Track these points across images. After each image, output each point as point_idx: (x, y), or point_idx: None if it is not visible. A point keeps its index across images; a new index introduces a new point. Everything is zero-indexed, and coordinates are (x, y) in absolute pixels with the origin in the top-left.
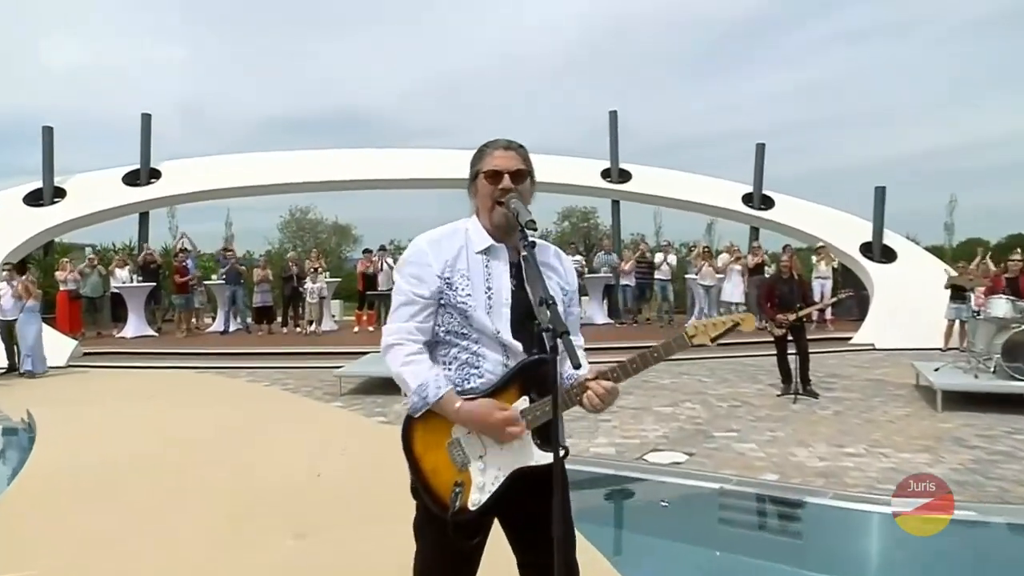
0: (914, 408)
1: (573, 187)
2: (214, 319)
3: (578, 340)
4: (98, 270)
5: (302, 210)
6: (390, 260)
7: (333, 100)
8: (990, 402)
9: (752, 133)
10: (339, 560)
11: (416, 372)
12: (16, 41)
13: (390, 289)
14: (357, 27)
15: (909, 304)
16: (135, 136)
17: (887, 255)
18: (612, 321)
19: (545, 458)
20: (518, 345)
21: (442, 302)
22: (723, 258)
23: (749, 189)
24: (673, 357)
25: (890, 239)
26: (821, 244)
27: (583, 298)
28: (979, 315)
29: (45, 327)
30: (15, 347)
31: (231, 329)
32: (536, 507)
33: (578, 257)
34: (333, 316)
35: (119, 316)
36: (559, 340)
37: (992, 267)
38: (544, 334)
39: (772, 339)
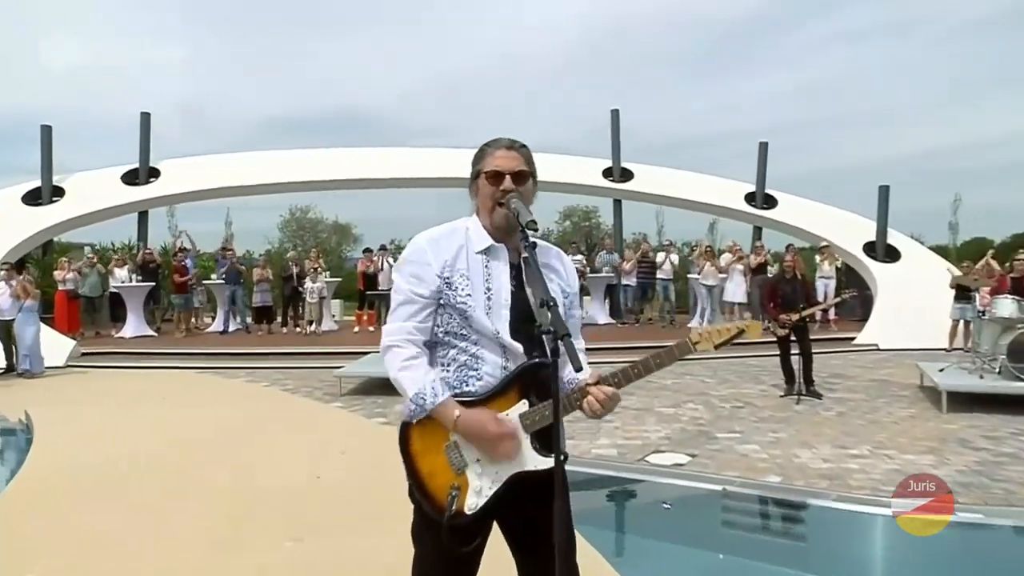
0: (918, 409)
1: (575, 186)
2: (213, 319)
3: (579, 343)
4: (97, 269)
5: (302, 209)
6: (390, 259)
7: (333, 100)
8: (995, 403)
9: (752, 133)
10: (339, 561)
11: (414, 378)
12: (16, 41)
13: (391, 289)
14: (357, 27)
15: (913, 304)
16: (135, 136)
17: (891, 255)
18: (614, 321)
19: (544, 463)
20: (518, 347)
21: (441, 302)
22: (726, 257)
23: (752, 188)
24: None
25: (894, 238)
26: (825, 244)
27: (585, 298)
28: (984, 315)
29: (44, 327)
30: (13, 347)
31: (230, 329)
32: (535, 512)
33: (579, 257)
34: (333, 316)
35: (118, 316)
36: (560, 343)
37: (997, 267)
38: (545, 336)
39: (775, 339)
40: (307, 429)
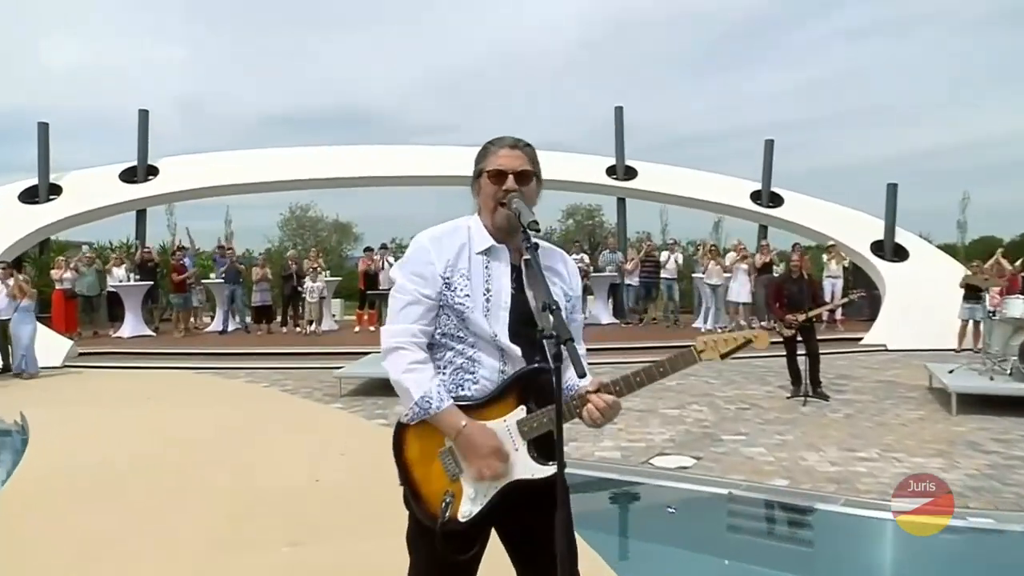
0: (927, 411)
1: (578, 184)
2: (212, 318)
3: (580, 348)
4: (95, 266)
5: (302, 208)
6: (391, 258)
7: (333, 98)
8: (1006, 405)
9: (752, 132)
10: (338, 562)
11: (419, 381)
12: (16, 41)
13: (391, 288)
14: (357, 26)
15: (922, 304)
16: (135, 134)
17: (899, 254)
18: (617, 321)
19: (541, 471)
20: (516, 350)
21: (440, 303)
22: (730, 256)
23: (757, 186)
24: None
25: (902, 237)
26: (831, 243)
27: (588, 297)
28: (995, 315)
29: (40, 327)
30: (9, 347)
31: (230, 329)
32: (534, 520)
33: (582, 255)
34: (334, 316)
35: (116, 315)
36: (563, 347)
37: (1008, 265)
38: (547, 341)
39: (781, 340)
40: (307, 430)
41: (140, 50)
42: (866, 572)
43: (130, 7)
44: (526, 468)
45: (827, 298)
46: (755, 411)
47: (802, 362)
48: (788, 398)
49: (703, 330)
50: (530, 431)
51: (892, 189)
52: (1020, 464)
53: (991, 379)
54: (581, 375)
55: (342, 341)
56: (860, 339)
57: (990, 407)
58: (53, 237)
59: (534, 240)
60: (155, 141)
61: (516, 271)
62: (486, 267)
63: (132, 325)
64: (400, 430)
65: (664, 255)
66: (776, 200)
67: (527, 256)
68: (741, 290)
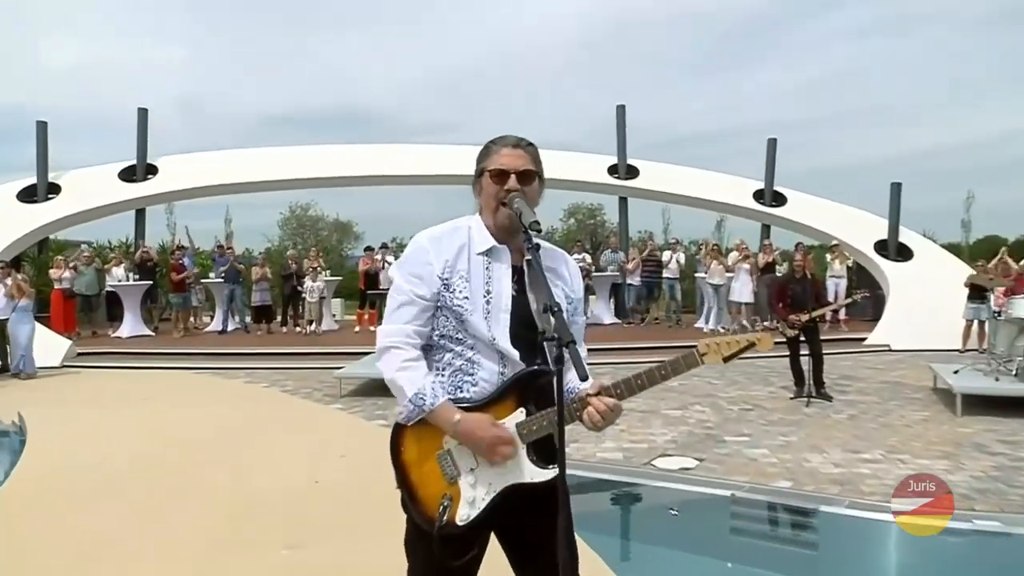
0: (932, 412)
1: (579, 183)
2: (212, 318)
3: (582, 350)
4: (95, 265)
5: (302, 207)
6: (391, 258)
7: (333, 97)
8: (1012, 406)
9: (752, 132)
10: (338, 563)
11: (412, 379)
12: (16, 41)
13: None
14: (357, 26)
15: (926, 304)
16: (134, 134)
17: (903, 253)
18: (619, 321)
19: (540, 475)
20: (515, 353)
21: (438, 304)
22: (733, 256)
23: (760, 186)
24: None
25: (906, 237)
26: (835, 242)
27: (590, 297)
28: (1000, 315)
29: (39, 326)
30: (7, 347)
31: (229, 329)
32: (534, 524)
33: (584, 255)
34: (334, 315)
35: (115, 315)
36: (565, 350)
37: (1013, 264)
38: (547, 343)
39: (784, 340)
40: (306, 430)
41: (140, 50)
42: (870, 575)
43: (130, 7)
44: (526, 472)
45: (831, 298)
46: (758, 412)
47: (805, 363)
48: (791, 399)
49: (705, 330)
50: (530, 434)
51: (896, 188)
52: None
53: (996, 380)
54: (582, 377)
55: (342, 341)
56: (864, 339)
57: (995, 408)
58: (52, 236)
59: (536, 240)
60: (155, 141)
61: (517, 272)
62: (487, 268)
63: (131, 325)
64: (397, 431)
65: (666, 255)
66: (779, 199)
67: (528, 257)
68: (743, 290)
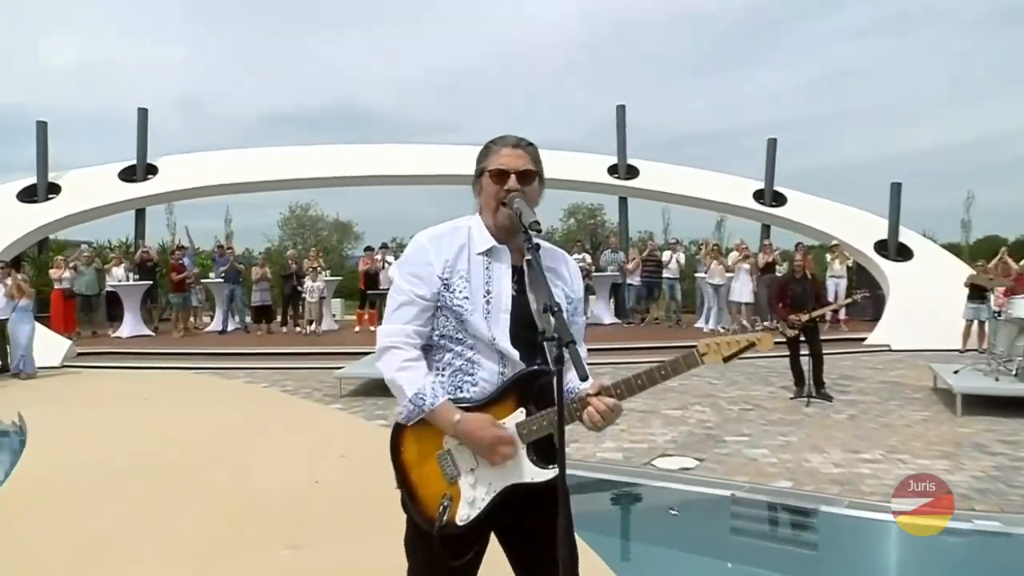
0: (932, 412)
1: (579, 183)
2: (212, 318)
3: (582, 350)
4: (95, 265)
5: (303, 207)
6: (392, 258)
7: (333, 96)
8: (1012, 406)
9: (752, 132)
10: (338, 563)
11: (412, 378)
12: (16, 41)
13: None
14: (357, 26)
15: (926, 304)
16: (134, 134)
17: (903, 253)
18: (619, 321)
19: (540, 475)
20: (515, 353)
21: (438, 304)
22: (733, 256)
23: (760, 185)
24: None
25: (906, 237)
26: (835, 242)
27: (591, 297)
28: (1000, 315)
29: (39, 326)
30: (7, 347)
31: (229, 329)
32: (534, 524)
33: (584, 255)
34: (334, 315)
35: (115, 315)
36: (565, 350)
37: (1014, 264)
38: (547, 343)
39: (784, 340)
40: (307, 431)
41: (140, 50)
42: (870, 575)
43: (130, 7)
44: (526, 472)
45: (831, 298)
46: (758, 412)
47: (805, 363)
48: (791, 399)
49: (705, 330)
50: (530, 434)
51: (896, 188)
52: None
53: (996, 380)
54: (583, 377)
55: (342, 341)
56: (864, 339)
57: (995, 408)
58: (52, 236)
59: (536, 240)
60: (155, 140)
61: (517, 272)
62: (487, 268)
63: (131, 325)
64: (397, 431)
65: (666, 255)
66: (779, 199)
67: (528, 257)
68: (743, 290)
